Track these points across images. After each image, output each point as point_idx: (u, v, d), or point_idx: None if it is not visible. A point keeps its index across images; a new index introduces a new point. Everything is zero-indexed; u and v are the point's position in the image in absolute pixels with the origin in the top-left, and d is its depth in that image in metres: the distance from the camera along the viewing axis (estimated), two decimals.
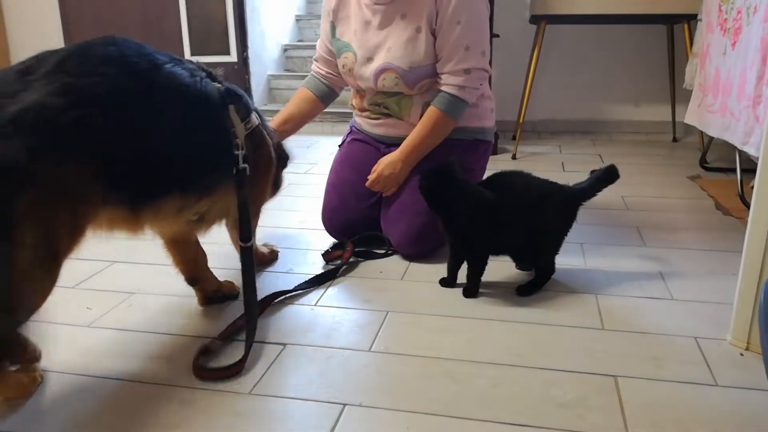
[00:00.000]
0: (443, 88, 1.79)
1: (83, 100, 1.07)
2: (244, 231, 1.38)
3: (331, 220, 1.99)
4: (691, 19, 3.00)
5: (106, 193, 1.12)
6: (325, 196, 2.03)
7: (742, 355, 1.31)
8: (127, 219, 1.20)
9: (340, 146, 2.13)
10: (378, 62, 1.83)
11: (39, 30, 4.14)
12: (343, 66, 1.93)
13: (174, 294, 1.63)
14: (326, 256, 1.83)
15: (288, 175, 2.45)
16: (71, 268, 1.78)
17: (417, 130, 1.83)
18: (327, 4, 1.94)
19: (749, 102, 2.03)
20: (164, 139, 1.20)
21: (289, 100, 2.07)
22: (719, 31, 2.43)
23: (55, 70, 1.07)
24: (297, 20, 4.95)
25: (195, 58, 3.92)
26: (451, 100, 1.78)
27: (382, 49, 1.83)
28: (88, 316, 1.52)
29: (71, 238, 1.10)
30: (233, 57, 4.01)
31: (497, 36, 3.14)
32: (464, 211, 1.52)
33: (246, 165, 1.36)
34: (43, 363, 1.29)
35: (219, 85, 1.35)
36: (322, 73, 2.04)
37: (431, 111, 1.80)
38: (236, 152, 1.34)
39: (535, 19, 3.11)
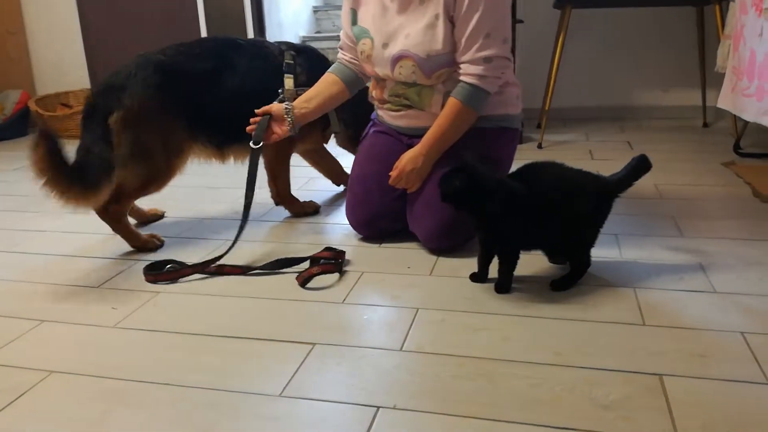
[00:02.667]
0: (462, 78, 1.73)
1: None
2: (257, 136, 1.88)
3: (356, 213, 1.94)
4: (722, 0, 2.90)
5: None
6: (348, 190, 1.99)
7: None
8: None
9: (362, 139, 2.08)
10: (395, 48, 1.78)
11: (55, 20, 4.14)
12: (362, 53, 1.88)
13: (200, 293, 1.61)
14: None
15: (307, 168, 2.42)
16: (95, 268, 1.78)
17: (437, 123, 1.77)
18: None
19: None
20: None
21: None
22: (754, 12, 2.33)
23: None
24: (314, 11, 4.90)
25: None
26: (471, 90, 1.72)
27: (399, 35, 1.77)
28: (113, 316, 1.50)
29: None
30: None
31: (521, 22, 3.06)
32: (493, 207, 1.46)
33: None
34: (65, 366, 1.27)
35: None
36: (347, 59, 1.99)
37: (451, 102, 1.74)
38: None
39: (560, 4, 3.03)
